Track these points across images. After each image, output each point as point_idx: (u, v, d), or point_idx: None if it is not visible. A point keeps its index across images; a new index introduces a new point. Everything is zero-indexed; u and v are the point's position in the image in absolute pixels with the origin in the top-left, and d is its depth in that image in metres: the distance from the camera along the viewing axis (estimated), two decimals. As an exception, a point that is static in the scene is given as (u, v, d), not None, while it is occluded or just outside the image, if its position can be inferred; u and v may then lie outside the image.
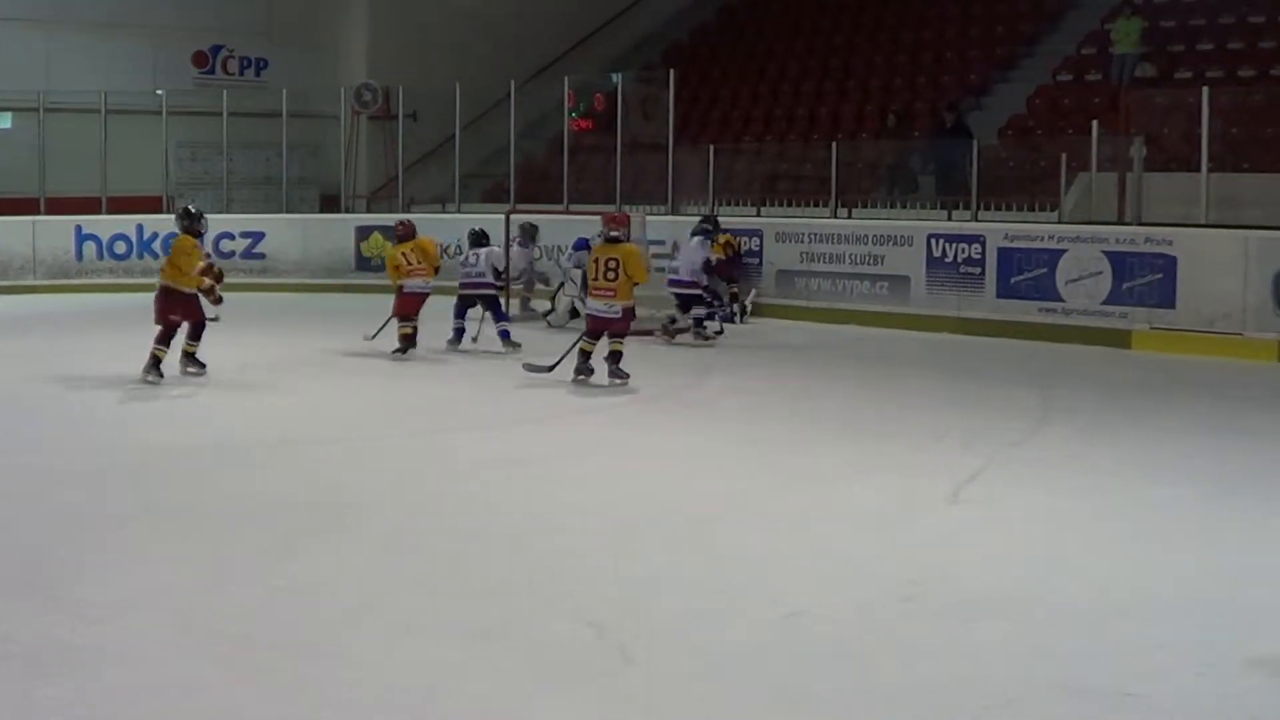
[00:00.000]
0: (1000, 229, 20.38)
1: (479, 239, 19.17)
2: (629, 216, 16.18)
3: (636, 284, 15.54)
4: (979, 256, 20.24)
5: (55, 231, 27.31)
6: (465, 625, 7.64)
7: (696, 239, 20.70)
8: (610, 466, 11.86)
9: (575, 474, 11.57)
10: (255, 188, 30.54)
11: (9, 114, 30.09)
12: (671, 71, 26.12)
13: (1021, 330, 19.54)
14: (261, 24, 32.96)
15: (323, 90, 30.88)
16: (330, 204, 30.43)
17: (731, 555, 8.97)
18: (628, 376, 15.38)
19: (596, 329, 15.56)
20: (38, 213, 27.69)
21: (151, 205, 28.54)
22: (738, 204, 24.94)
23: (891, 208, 23.60)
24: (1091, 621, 7.74)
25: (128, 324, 18.07)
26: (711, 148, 25.19)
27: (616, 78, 27.34)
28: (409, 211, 27.29)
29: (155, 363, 15.62)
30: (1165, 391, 15.93)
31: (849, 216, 22.85)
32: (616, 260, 15.36)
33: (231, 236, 27.66)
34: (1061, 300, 19.43)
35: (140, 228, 27.62)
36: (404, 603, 8.05)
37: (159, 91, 29.29)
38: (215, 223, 26.77)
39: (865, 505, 10.31)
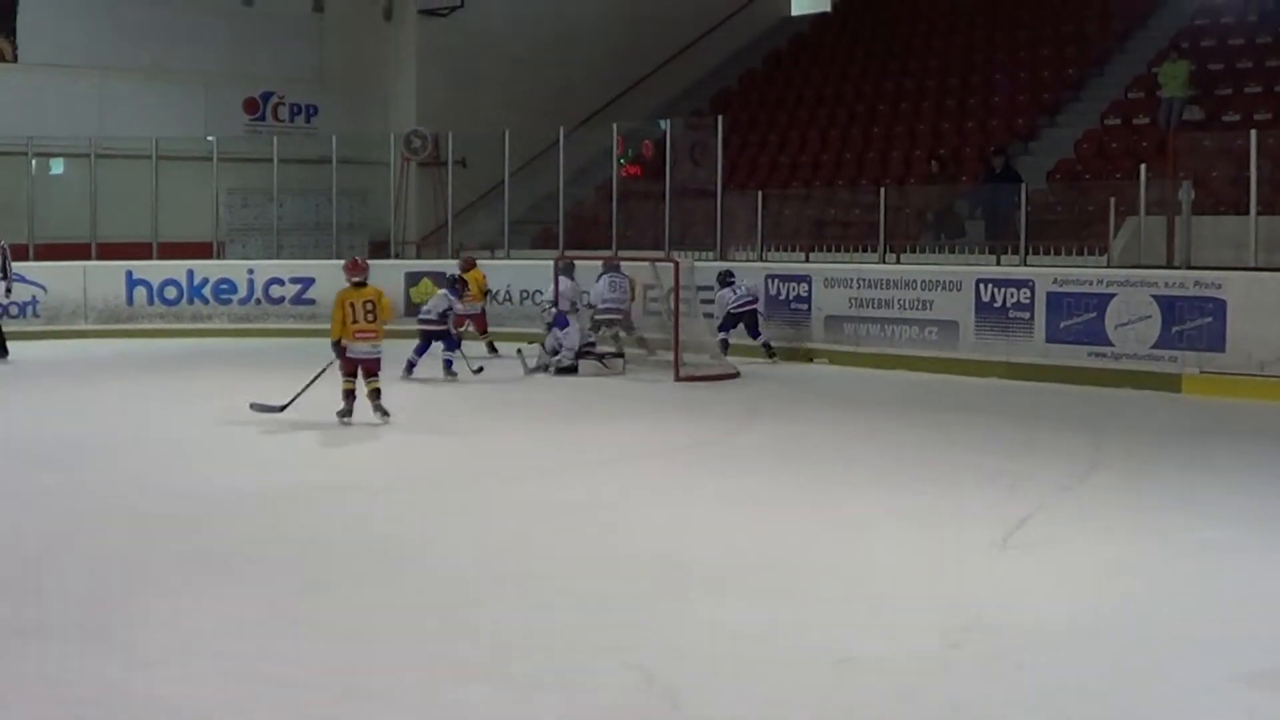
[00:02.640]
0: (1049, 273, 20.33)
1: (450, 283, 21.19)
2: (367, 262, 16.99)
3: (386, 322, 16.45)
4: (1028, 301, 20.18)
5: (106, 277, 27.48)
6: (516, 670, 7.65)
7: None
8: (662, 511, 11.85)
9: (627, 519, 11.57)
10: (305, 233, 30.68)
11: (61, 159, 30.36)
12: (720, 118, 26.25)
13: (1071, 375, 19.47)
14: (312, 71, 33.24)
15: (372, 137, 31.16)
16: (380, 250, 30.53)
17: (781, 601, 8.97)
18: (389, 415, 16.22)
19: (367, 369, 16.18)
20: (89, 258, 27.91)
21: (202, 251, 28.79)
22: (787, 249, 24.94)
23: (940, 253, 23.54)
24: (1142, 667, 7.71)
25: (179, 369, 18.24)
26: (760, 194, 25.20)
27: (665, 124, 27.42)
28: (457, 258, 27.39)
29: None
30: (1216, 435, 15.87)
31: (897, 262, 22.82)
32: (373, 302, 16.17)
33: (281, 282, 27.81)
34: (1111, 345, 19.35)
35: (191, 273, 27.80)
36: (454, 648, 8.06)
37: (210, 138, 29.54)
38: (266, 269, 27.19)
39: (915, 551, 10.28)
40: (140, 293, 27.72)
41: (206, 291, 27.60)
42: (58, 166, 30.74)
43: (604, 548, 10.49)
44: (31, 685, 7.42)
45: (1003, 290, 20.50)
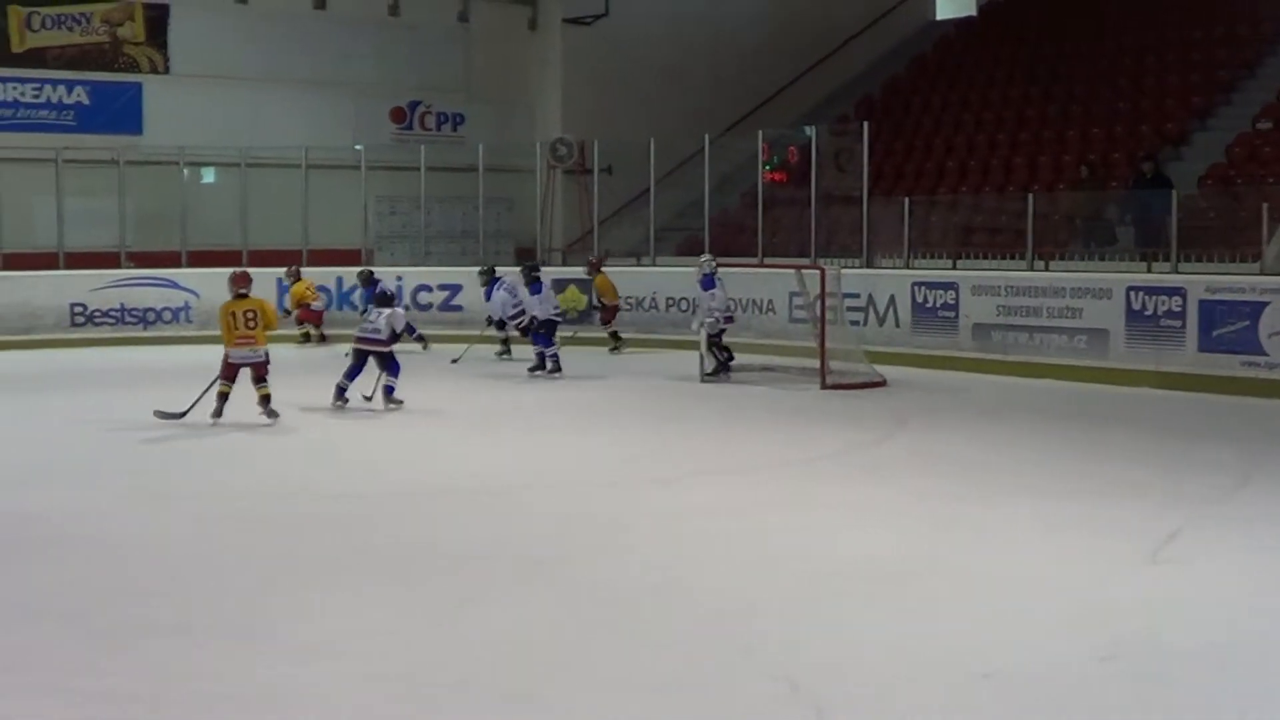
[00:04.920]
0: (1201, 281, 20.02)
1: (385, 299, 19.28)
2: (250, 275, 18.05)
3: (269, 328, 17.39)
4: (1179, 309, 19.91)
5: (257, 283, 27.56)
6: (658, 677, 7.68)
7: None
8: (803, 520, 11.83)
9: (770, 526, 11.57)
10: (452, 241, 31.01)
11: (212, 169, 30.85)
12: (865, 123, 26.11)
13: (1223, 385, 19.17)
14: (458, 80, 33.54)
15: (518, 144, 31.29)
16: (526, 257, 30.68)
17: (927, 612, 8.92)
18: (278, 415, 16.95)
19: (255, 374, 17.06)
20: (240, 265, 28.21)
21: (351, 258, 29.11)
22: (933, 256, 24.77)
23: (1089, 260, 23.27)
24: (1297, 685, 7.62)
25: (325, 373, 18.44)
26: (907, 200, 25.06)
27: (810, 130, 27.31)
28: (604, 265, 27.44)
29: None
30: (1371, 447, 15.62)
31: (1046, 269, 22.60)
32: (254, 311, 17.24)
33: (429, 289, 28.06)
34: (1264, 354, 19.03)
35: (340, 280, 28.14)
36: (595, 654, 8.10)
37: (358, 146, 29.88)
38: (414, 275, 27.39)
39: (1063, 563, 10.17)
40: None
41: (355, 298, 27.82)
42: (209, 175, 31.27)
43: (746, 555, 10.50)
44: (181, 683, 7.56)
45: (1154, 298, 20.23)
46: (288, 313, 25.66)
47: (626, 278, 27.48)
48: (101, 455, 15.25)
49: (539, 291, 22.20)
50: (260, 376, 17.03)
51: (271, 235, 29.01)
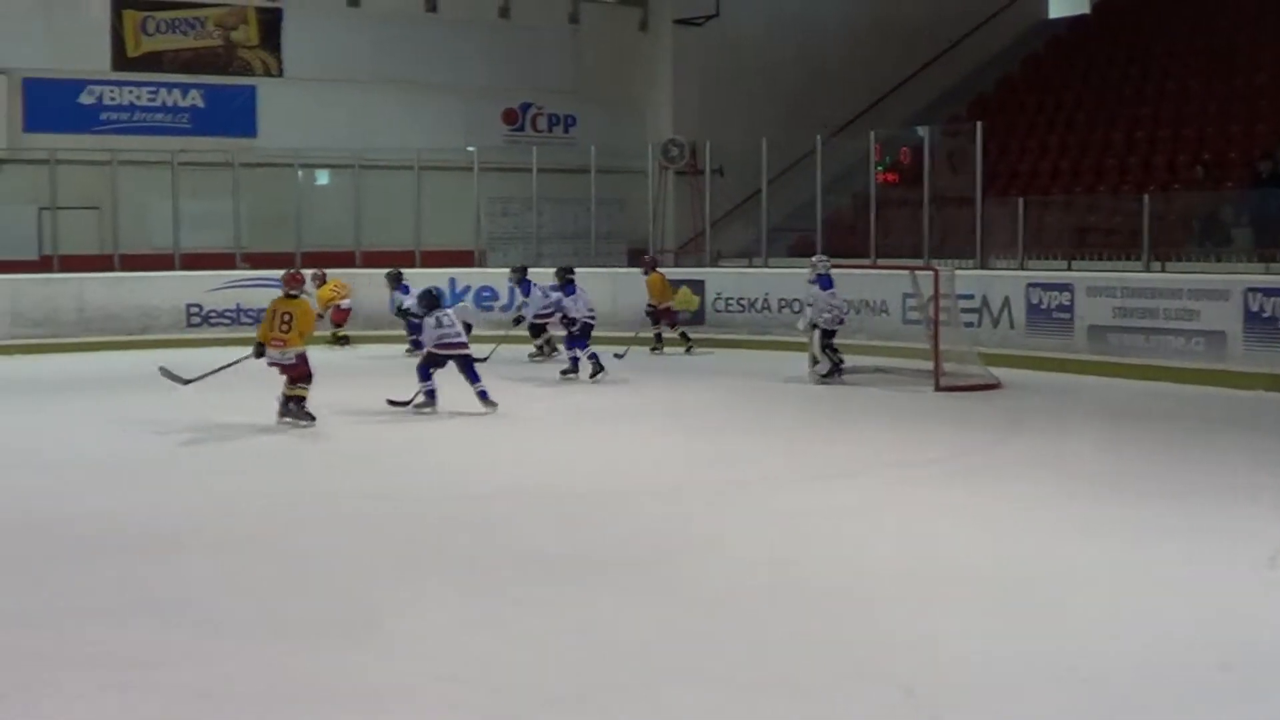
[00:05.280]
0: (1320, 282, 19.77)
1: (435, 300, 18.35)
2: (303, 276, 18.16)
3: (302, 334, 17.10)
4: (1298, 311, 19.68)
5: (370, 284, 28.02)
6: (766, 679, 7.66)
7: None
8: (916, 524, 11.75)
9: (880, 529, 11.52)
10: (565, 241, 31.05)
11: (326, 171, 31.13)
12: (979, 124, 25.92)
13: (1343, 389, 18.92)
14: (570, 82, 33.62)
15: (630, 146, 31.37)
16: (638, 257, 30.76)
17: (1041, 617, 8.84)
18: (313, 419, 16.84)
19: (289, 375, 17.01)
20: (354, 266, 28.50)
21: (464, 259, 29.26)
22: (1048, 257, 24.58)
23: (1205, 261, 22.99)
24: None
25: (378, 376, 18.61)
26: (1021, 200, 24.89)
27: (923, 131, 27.17)
28: (716, 265, 27.43)
29: None
30: None
31: (1162, 270, 22.37)
32: (290, 314, 17.08)
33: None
34: (1385, 357, 18.79)
35: (453, 280, 28.25)
36: (700, 655, 8.08)
37: (470, 148, 30.02)
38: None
39: (1177, 568, 10.08)
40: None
41: (468, 299, 27.94)
42: (323, 177, 31.60)
43: (858, 558, 10.47)
44: (279, 677, 7.69)
45: (1272, 300, 19.94)
46: (320, 315, 25.68)
47: (739, 279, 27.52)
48: (192, 455, 15.43)
49: (572, 294, 22.25)
50: (294, 378, 17.00)
51: (384, 237, 29.27)
